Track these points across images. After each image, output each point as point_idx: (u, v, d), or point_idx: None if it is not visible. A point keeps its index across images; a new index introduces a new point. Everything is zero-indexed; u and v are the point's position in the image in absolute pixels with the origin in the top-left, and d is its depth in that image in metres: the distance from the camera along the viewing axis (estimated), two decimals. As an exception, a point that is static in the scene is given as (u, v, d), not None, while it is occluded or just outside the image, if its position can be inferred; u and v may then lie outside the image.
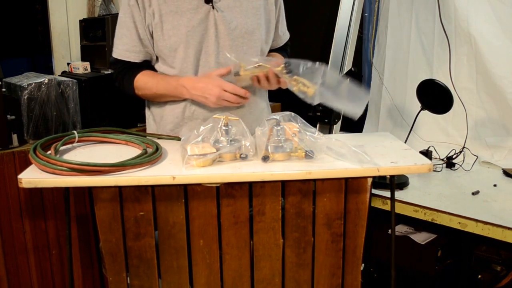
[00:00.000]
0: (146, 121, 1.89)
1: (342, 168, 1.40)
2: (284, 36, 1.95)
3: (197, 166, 1.38)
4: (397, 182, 2.15)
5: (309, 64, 1.55)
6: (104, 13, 3.29)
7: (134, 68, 1.76)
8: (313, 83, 1.54)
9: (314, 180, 1.42)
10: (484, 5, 2.45)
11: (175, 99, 1.73)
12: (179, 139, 1.65)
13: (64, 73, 2.89)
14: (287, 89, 1.62)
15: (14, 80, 2.41)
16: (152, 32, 1.70)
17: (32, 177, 1.32)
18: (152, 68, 1.80)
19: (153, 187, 1.37)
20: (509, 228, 1.77)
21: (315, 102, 1.56)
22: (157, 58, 1.77)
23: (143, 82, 1.74)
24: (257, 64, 1.58)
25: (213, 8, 1.67)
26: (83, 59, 3.06)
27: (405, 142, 2.14)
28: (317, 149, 1.43)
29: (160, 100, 1.77)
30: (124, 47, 1.74)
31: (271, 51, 1.91)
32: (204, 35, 1.69)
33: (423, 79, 2.26)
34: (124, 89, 1.79)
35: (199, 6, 1.67)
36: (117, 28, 1.76)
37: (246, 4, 1.73)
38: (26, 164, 1.40)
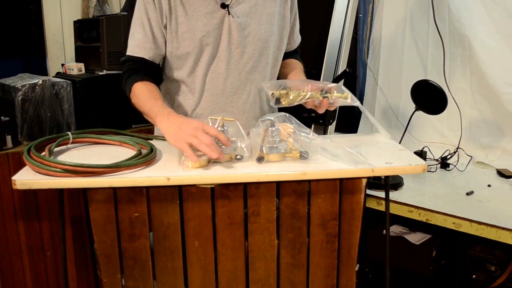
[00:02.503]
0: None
1: (337, 168, 1.40)
2: (298, 39, 1.93)
3: (192, 167, 1.38)
4: (392, 182, 2.15)
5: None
6: (98, 14, 3.29)
7: (141, 72, 1.68)
8: (342, 91, 1.56)
9: (309, 181, 1.42)
10: (478, 6, 2.46)
11: (151, 119, 1.60)
12: None
13: (58, 74, 2.89)
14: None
15: (8, 81, 2.41)
16: (166, 33, 1.66)
17: (26, 178, 1.31)
18: (161, 78, 1.77)
19: (147, 188, 1.37)
20: (503, 228, 1.77)
21: (356, 103, 1.56)
22: (166, 60, 1.74)
23: (139, 91, 1.63)
24: (299, 93, 1.54)
25: (229, 14, 1.65)
26: (78, 60, 3.05)
27: (400, 142, 2.14)
28: (311, 150, 1.43)
29: (145, 116, 1.64)
30: (135, 43, 1.68)
31: (284, 54, 1.88)
32: (217, 41, 1.66)
33: (418, 80, 2.27)
34: (125, 90, 1.72)
35: (214, 11, 1.64)
36: (131, 27, 1.71)
37: (262, 10, 1.70)
38: (20, 165, 1.40)
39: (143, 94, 1.63)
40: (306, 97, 1.54)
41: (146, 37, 1.66)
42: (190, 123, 1.41)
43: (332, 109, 1.60)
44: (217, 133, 1.39)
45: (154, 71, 1.73)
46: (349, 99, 1.55)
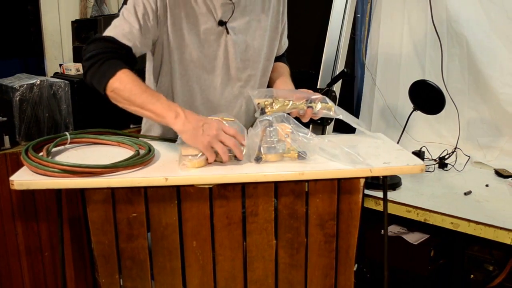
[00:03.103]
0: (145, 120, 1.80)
1: (335, 168, 1.40)
2: (285, 45, 1.93)
3: (192, 166, 1.38)
4: (390, 182, 2.15)
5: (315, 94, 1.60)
6: (96, 14, 3.29)
7: (125, 60, 1.51)
8: (326, 102, 1.59)
9: (307, 181, 1.42)
10: (476, 6, 2.46)
11: (151, 118, 1.49)
12: (171, 140, 1.65)
13: (56, 75, 2.88)
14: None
15: (6, 81, 2.41)
16: (164, 43, 1.61)
17: (24, 179, 1.31)
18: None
19: (145, 188, 1.37)
20: (501, 228, 1.77)
21: (340, 116, 1.58)
22: (162, 72, 1.68)
23: (130, 79, 1.46)
24: (284, 102, 1.57)
25: (227, 31, 1.64)
26: (76, 60, 3.05)
27: (398, 142, 2.14)
28: (309, 150, 1.43)
29: (130, 109, 1.49)
30: (127, 30, 1.52)
31: None
32: (214, 57, 1.66)
33: (415, 80, 2.27)
34: (98, 71, 1.47)
35: (213, 27, 1.63)
36: (122, 14, 1.54)
37: (256, 25, 1.70)
38: (18, 165, 1.40)
39: (137, 83, 1.46)
40: (291, 107, 1.56)
41: (140, 31, 1.53)
42: (211, 124, 1.40)
43: (316, 118, 1.61)
44: (235, 133, 1.41)
45: (133, 65, 1.58)
46: (333, 111, 1.58)
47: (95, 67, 1.47)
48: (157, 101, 1.44)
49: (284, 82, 1.80)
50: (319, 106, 1.58)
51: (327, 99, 1.59)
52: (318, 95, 1.59)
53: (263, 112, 1.53)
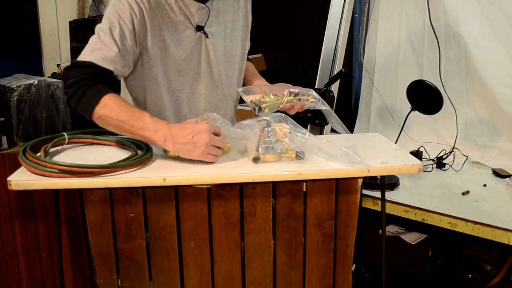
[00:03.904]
0: None
1: (333, 168, 1.40)
2: (249, 45, 1.93)
3: (167, 154, 1.45)
4: (388, 182, 2.16)
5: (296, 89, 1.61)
6: (94, 14, 3.29)
7: (106, 84, 1.50)
8: (313, 95, 1.59)
9: (305, 181, 1.42)
10: (474, 6, 2.47)
11: (139, 137, 1.47)
12: None
13: (54, 75, 2.88)
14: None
15: (4, 81, 2.40)
16: (144, 59, 1.58)
17: (22, 179, 1.31)
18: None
19: (143, 188, 1.37)
20: (498, 228, 1.78)
21: (328, 107, 1.59)
22: (145, 86, 1.65)
23: (116, 104, 1.45)
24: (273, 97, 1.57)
25: (207, 36, 1.66)
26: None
27: (396, 142, 2.14)
28: (307, 150, 1.43)
29: (119, 132, 1.49)
30: (104, 54, 1.50)
31: None
32: (197, 63, 1.67)
33: (413, 80, 2.27)
34: (82, 99, 1.46)
35: (192, 34, 1.64)
36: (99, 35, 1.52)
37: (230, 27, 1.74)
38: (15, 166, 1.39)
39: (122, 108, 1.45)
40: (285, 102, 1.56)
41: (119, 53, 1.51)
42: (201, 134, 1.39)
43: (301, 111, 1.62)
44: (223, 144, 1.44)
45: (117, 88, 1.60)
46: (320, 103, 1.58)
47: (78, 95, 1.47)
48: (144, 125, 1.43)
49: (260, 79, 1.86)
50: (305, 97, 1.59)
51: (312, 91, 1.60)
52: (301, 88, 1.60)
53: (260, 109, 1.53)
